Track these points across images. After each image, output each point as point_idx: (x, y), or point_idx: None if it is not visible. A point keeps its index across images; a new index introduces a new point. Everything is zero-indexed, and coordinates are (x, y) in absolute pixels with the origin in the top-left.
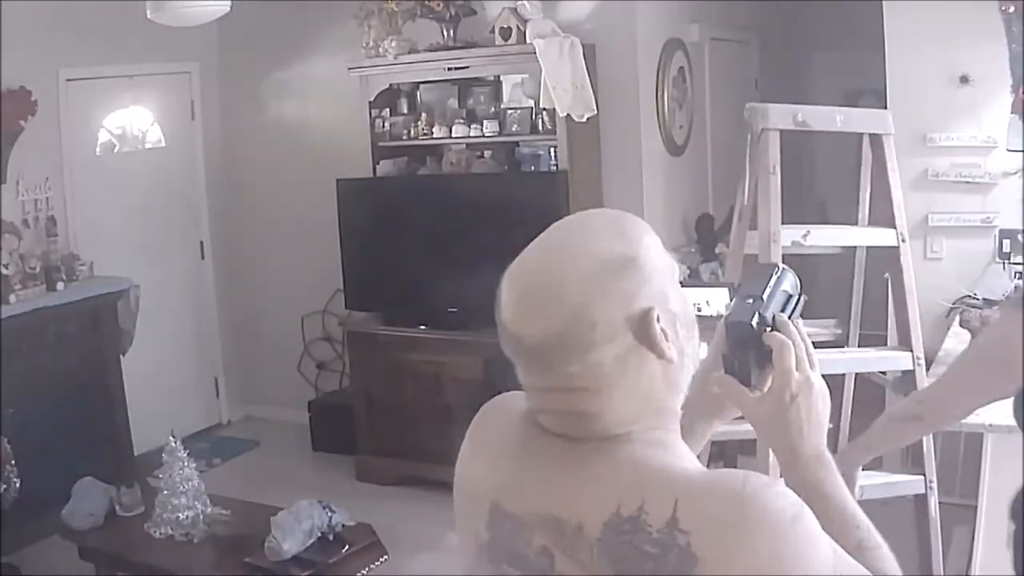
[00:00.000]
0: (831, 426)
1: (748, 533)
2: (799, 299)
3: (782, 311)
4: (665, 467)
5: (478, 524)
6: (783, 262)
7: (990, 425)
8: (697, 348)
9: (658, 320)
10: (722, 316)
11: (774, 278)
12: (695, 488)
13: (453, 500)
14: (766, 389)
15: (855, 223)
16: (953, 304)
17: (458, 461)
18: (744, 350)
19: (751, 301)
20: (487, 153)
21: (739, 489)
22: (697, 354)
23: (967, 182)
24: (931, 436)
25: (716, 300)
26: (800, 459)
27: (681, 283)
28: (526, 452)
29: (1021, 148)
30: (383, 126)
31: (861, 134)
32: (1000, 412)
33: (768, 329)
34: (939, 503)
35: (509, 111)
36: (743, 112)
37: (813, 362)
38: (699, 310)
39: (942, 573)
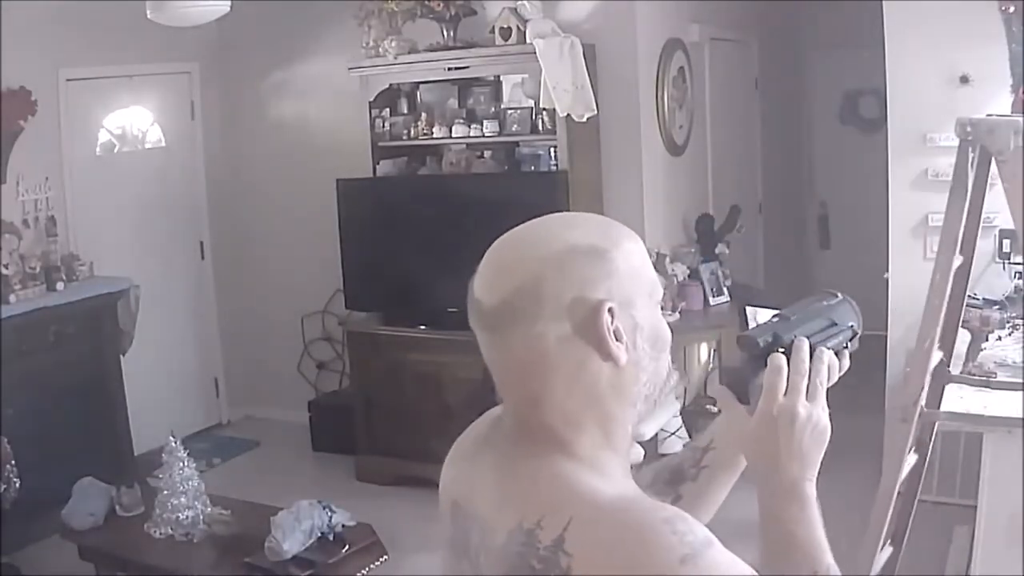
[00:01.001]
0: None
1: (628, 566)
2: (845, 331)
3: (822, 340)
4: (578, 485)
5: (446, 521)
6: None
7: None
8: (663, 369)
9: (611, 318)
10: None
11: (822, 304)
12: (594, 511)
13: None
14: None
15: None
16: None
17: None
18: (748, 366)
19: (777, 320)
20: (487, 153)
21: (635, 519)
22: (661, 375)
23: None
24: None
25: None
26: (770, 487)
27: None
28: (484, 451)
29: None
30: (383, 126)
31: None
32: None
33: (779, 350)
34: (939, 503)
35: (509, 111)
36: (743, 112)
37: (814, 395)
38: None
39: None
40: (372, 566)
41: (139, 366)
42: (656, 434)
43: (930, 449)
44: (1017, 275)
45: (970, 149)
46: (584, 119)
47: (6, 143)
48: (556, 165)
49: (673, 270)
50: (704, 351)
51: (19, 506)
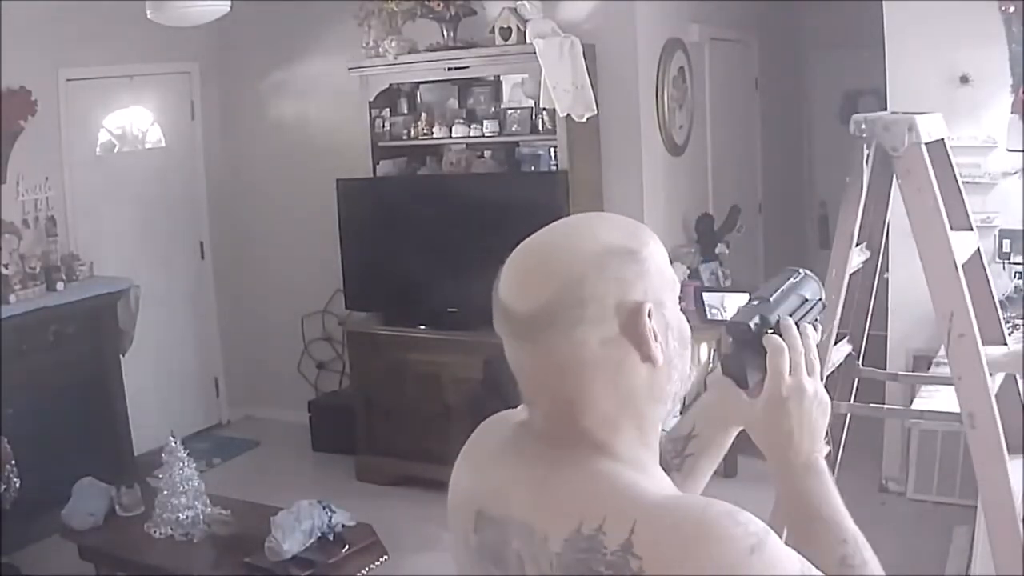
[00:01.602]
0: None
1: (701, 563)
2: (816, 305)
3: (800, 316)
4: (631, 487)
5: (467, 530)
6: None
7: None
8: (688, 367)
9: (649, 318)
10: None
11: (790, 281)
12: (655, 512)
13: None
14: (762, 394)
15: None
16: None
17: (452, 475)
18: (743, 352)
19: (757, 303)
20: (487, 153)
21: (697, 516)
22: (687, 372)
23: (967, 182)
24: (931, 436)
25: (732, 305)
26: (789, 466)
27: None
28: (511, 457)
29: (1021, 148)
30: (383, 126)
31: None
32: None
33: (769, 332)
34: (939, 503)
35: (509, 111)
36: (743, 112)
37: (812, 369)
38: (716, 315)
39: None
40: (372, 566)
41: (139, 366)
42: None
43: (843, 441)
44: (1017, 275)
45: (865, 146)
46: (584, 119)
47: (6, 143)
48: (556, 165)
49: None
50: (704, 351)
51: (19, 506)
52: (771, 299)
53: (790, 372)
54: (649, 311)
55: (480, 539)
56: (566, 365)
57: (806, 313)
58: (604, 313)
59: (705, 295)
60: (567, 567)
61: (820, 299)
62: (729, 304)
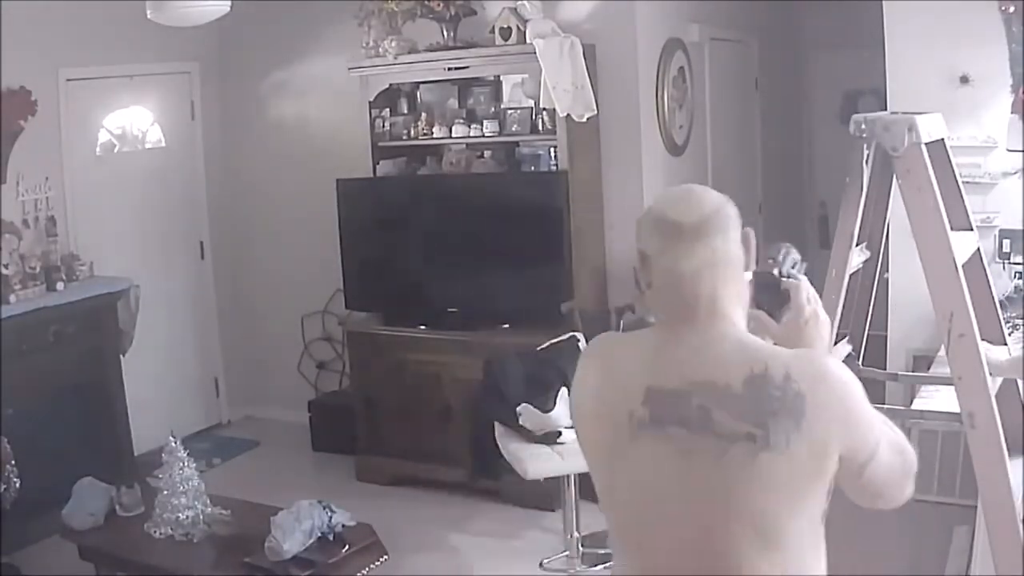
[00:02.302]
0: None
1: (832, 381)
2: (800, 264)
3: (795, 270)
4: (768, 344)
5: (632, 408)
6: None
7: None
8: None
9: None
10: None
11: (783, 250)
12: (796, 357)
13: (575, 416)
14: (784, 320)
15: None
16: None
17: (577, 387)
18: (769, 294)
19: (771, 262)
20: (487, 153)
21: (821, 358)
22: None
23: (967, 182)
24: (931, 436)
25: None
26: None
27: None
28: (667, 346)
29: (1021, 148)
30: (383, 126)
31: None
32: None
33: (785, 278)
34: (939, 503)
35: (509, 111)
36: (743, 112)
37: (815, 300)
38: None
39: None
40: (372, 566)
41: (139, 366)
42: None
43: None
44: (1017, 275)
45: (865, 146)
46: (584, 119)
47: (6, 143)
48: (556, 165)
49: None
50: None
51: (19, 506)
52: (779, 258)
53: (808, 302)
54: (752, 234)
55: (652, 410)
56: (718, 258)
57: (801, 270)
58: (736, 229)
59: None
60: (750, 397)
61: (800, 259)
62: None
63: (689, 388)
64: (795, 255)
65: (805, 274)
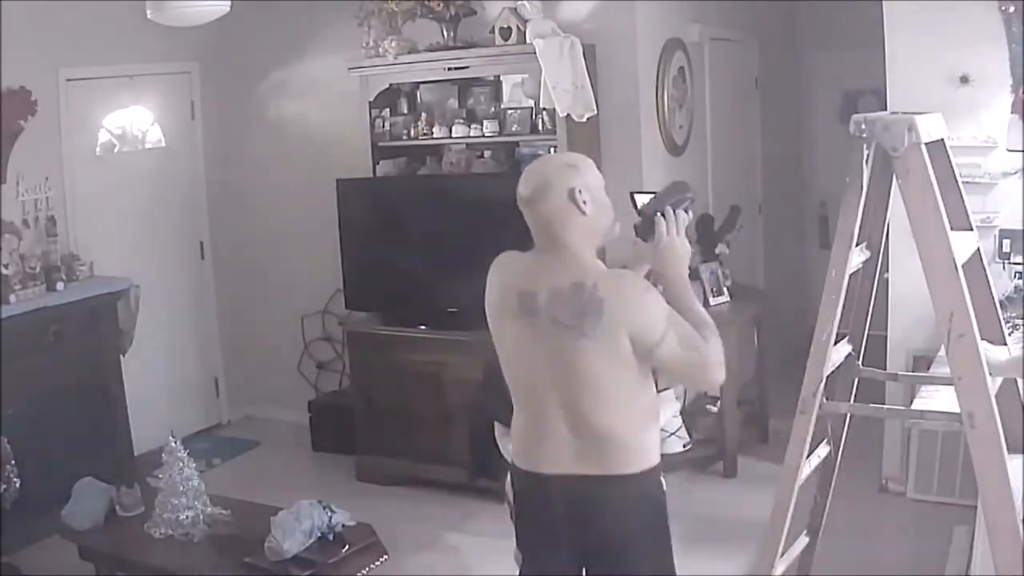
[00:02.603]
0: None
1: (623, 290)
2: (690, 199)
3: (678, 204)
4: (594, 267)
5: (511, 302)
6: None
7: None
8: (607, 223)
9: (580, 194)
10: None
11: (676, 191)
12: (606, 274)
13: (487, 308)
14: (650, 244)
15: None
16: None
17: (487, 287)
18: (645, 225)
19: (655, 198)
20: (487, 153)
21: (623, 275)
22: (608, 225)
23: (967, 182)
24: (931, 436)
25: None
26: (669, 280)
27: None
28: (533, 263)
29: (1021, 148)
30: (383, 126)
31: None
32: None
33: (658, 215)
34: (939, 503)
35: (509, 111)
36: (743, 112)
37: (674, 232)
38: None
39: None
40: (372, 566)
41: (139, 366)
42: None
43: (843, 441)
44: (1017, 275)
45: (865, 146)
46: (584, 119)
47: (6, 143)
48: None
49: None
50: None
51: (19, 506)
52: (660, 195)
53: (666, 234)
54: (580, 190)
55: (521, 304)
56: (551, 214)
57: (682, 203)
58: (560, 191)
59: (634, 195)
60: (573, 302)
61: (690, 196)
62: (642, 200)
63: (540, 291)
64: (684, 196)
65: (694, 213)
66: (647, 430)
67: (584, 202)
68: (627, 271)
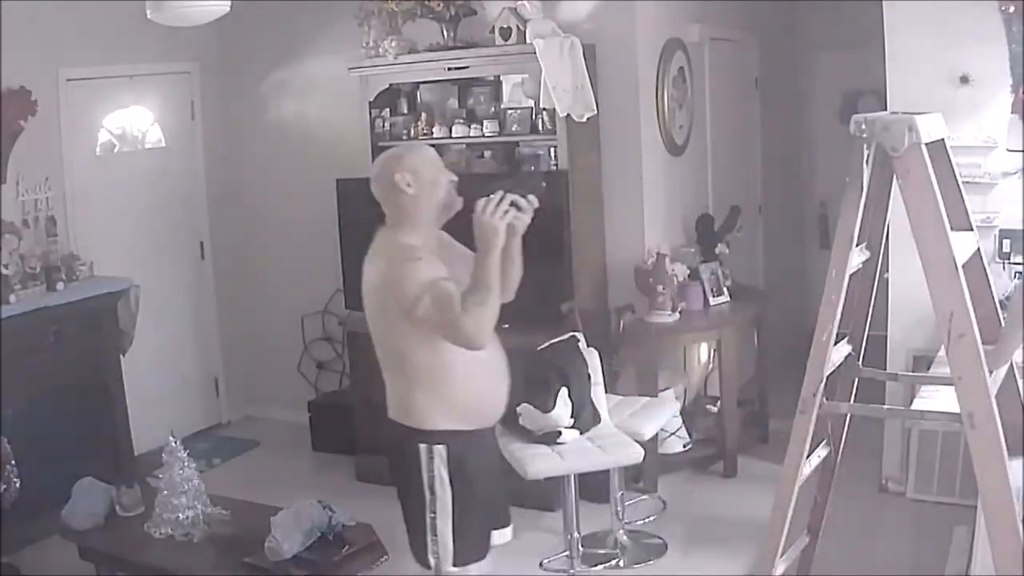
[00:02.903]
0: None
1: (381, 265)
2: (536, 181)
3: (514, 189)
4: (386, 242)
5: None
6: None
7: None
8: (438, 200)
9: (403, 176)
10: None
11: (528, 172)
12: (384, 244)
13: None
14: None
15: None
16: None
17: None
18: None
19: (496, 185)
20: (487, 153)
21: (395, 245)
22: (437, 202)
23: (967, 182)
24: (931, 436)
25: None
26: (487, 253)
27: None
28: (376, 237)
29: (1021, 148)
30: (383, 126)
31: None
32: None
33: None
34: (939, 503)
35: (509, 111)
36: (743, 113)
37: (489, 211)
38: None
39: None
40: (372, 566)
41: (139, 366)
42: (656, 434)
43: (843, 441)
44: (1017, 275)
45: (865, 146)
46: (584, 119)
47: (6, 143)
48: (556, 165)
49: (673, 270)
50: (704, 351)
51: (19, 506)
52: (505, 183)
53: (482, 211)
54: (401, 175)
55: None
56: (381, 194)
57: (519, 188)
58: (386, 179)
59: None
60: (366, 271)
61: (542, 183)
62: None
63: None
64: (526, 187)
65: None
66: (424, 390)
67: (408, 184)
68: (404, 243)
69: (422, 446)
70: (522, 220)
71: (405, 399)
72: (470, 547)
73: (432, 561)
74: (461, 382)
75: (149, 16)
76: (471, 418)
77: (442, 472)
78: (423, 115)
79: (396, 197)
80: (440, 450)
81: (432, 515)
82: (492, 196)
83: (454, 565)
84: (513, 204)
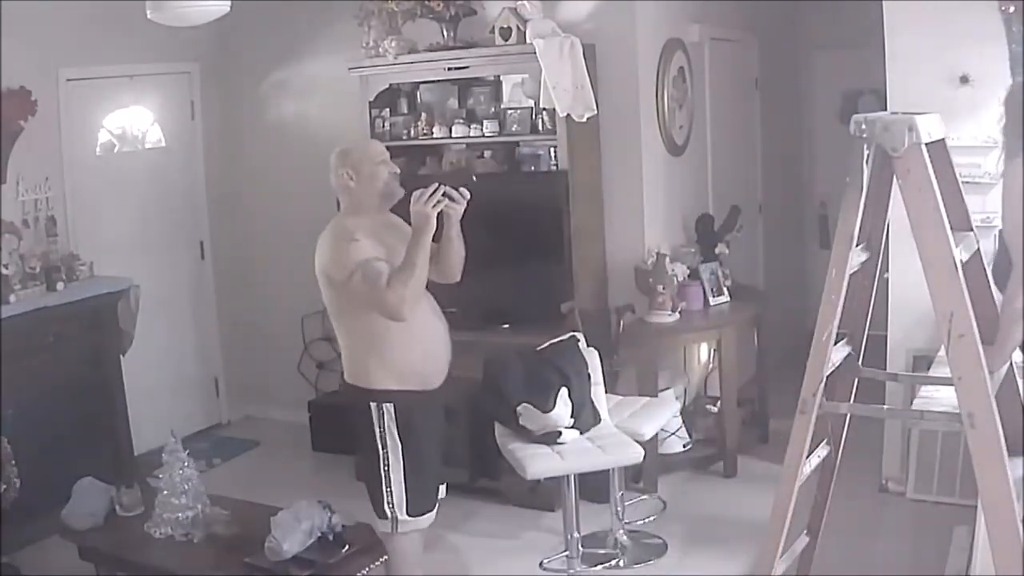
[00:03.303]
0: None
1: (322, 246)
2: (441, 188)
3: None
4: (335, 227)
5: None
6: None
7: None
8: (378, 187)
9: (344, 172)
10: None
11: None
12: (331, 226)
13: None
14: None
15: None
16: None
17: None
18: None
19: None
20: (487, 153)
21: (331, 226)
22: (376, 190)
23: (967, 182)
24: (931, 436)
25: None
26: (420, 236)
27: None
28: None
29: (1021, 148)
30: (383, 126)
31: None
32: None
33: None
34: (939, 503)
35: (509, 111)
36: (743, 112)
37: (422, 201)
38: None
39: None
40: (372, 566)
41: (139, 366)
42: (656, 434)
43: (843, 441)
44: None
45: (865, 146)
46: (584, 119)
47: (6, 143)
48: (556, 165)
49: (673, 270)
50: (704, 351)
51: (19, 506)
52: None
53: (414, 201)
54: (343, 171)
55: None
56: (334, 185)
57: (455, 187)
58: (338, 174)
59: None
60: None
61: (440, 186)
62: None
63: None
64: (460, 184)
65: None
66: (371, 355)
67: (351, 177)
68: (346, 226)
69: (372, 404)
70: (455, 209)
71: (355, 364)
72: (421, 498)
73: (388, 512)
74: (400, 348)
75: (149, 16)
76: (413, 381)
77: (392, 428)
78: (423, 115)
79: (342, 188)
80: (388, 408)
81: (386, 467)
82: (427, 187)
83: (408, 514)
84: (445, 195)
